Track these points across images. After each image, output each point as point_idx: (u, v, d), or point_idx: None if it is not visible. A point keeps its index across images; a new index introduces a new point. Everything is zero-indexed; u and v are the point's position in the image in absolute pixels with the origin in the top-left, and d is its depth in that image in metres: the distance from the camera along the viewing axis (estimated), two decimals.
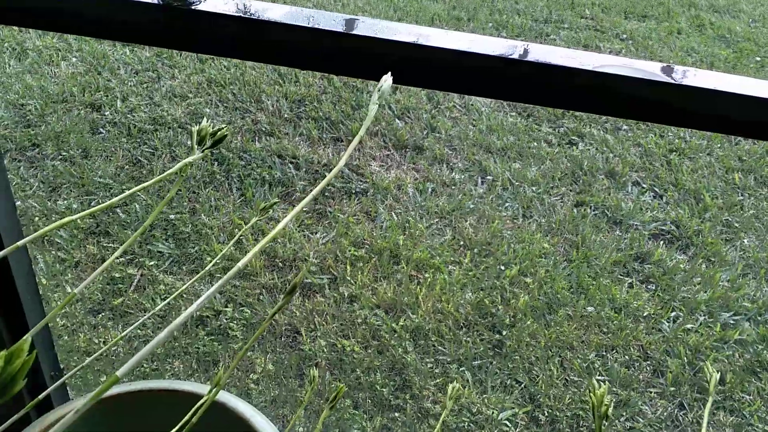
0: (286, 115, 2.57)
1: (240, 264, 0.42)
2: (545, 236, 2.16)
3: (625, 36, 3.57)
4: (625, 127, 2.74)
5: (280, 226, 0.45)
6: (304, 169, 2.32)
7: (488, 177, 2.38)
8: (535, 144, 2.58)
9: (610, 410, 0.33)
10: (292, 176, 2.26)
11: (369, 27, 0.70)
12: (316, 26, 0.69)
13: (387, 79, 0.51)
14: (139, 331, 1.63)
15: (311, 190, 2.21)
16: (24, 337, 0.28)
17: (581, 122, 2.73)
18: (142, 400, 1.02)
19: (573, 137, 2.65)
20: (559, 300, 1.92)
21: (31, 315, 1.06)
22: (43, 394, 0.71)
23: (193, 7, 0.71)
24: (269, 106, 2.60)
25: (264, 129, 2.48)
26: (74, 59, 2.68)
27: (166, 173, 0.51)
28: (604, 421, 0.33)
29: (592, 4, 3.86)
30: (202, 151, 0.51)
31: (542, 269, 2.02)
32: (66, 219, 0.43)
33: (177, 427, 0.65)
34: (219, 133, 0.50)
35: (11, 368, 0.26)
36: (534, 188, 2.35)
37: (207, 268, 0.76)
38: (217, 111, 2.53)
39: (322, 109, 2.61)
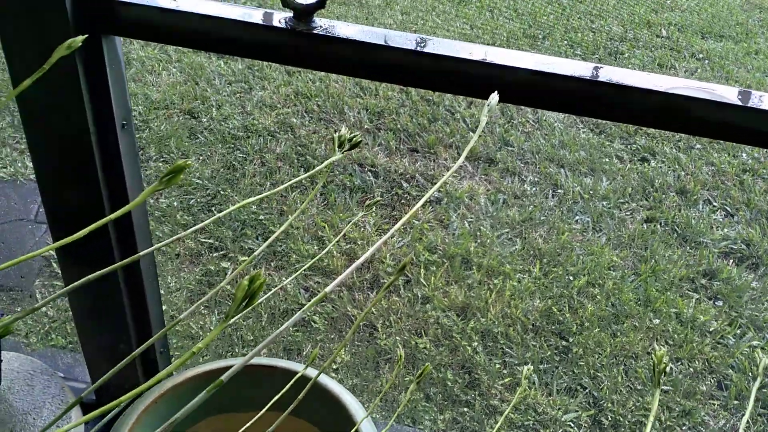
0: (366, 126, 2.69)
1: (366, 256, 0.52)
2: (614, 250, 2.20)
3: (701, 56, 3.55)
4: (698, 145, 2.74)
5: (399, 224, 0.55)
6: (382, 177, 2.43)
7: (559, 190, 2.44)
8: (607, 160, 2.62)
9: (667, 368, 0.41)
10: (371, 183, 2.38)
11: (465, 50, 0.79)
12: (423, 50, 0.79)
13: (494, 97, 0.60)
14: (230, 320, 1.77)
15: (388, 197, 2.32)
16: (254, 272, 0.39)
17: (654, 140, 2.75)
18: (243, 375, 1.14)
19: (645, 154, 2.67)
20: (626, 311, 1.96)
21: (152, 300, 1.20)
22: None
23: (315, 32, 0.82)
24: (351, 118, 2.73)
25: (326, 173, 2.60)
26: (174, 69, 2.88)
27: (313, 171, 0.61)
28: (662, 376, 0.41)
29: (669, 23, 3.85)
30: (342, 153, 0.61)
31: (610, 281, 2.06)
32: (206, 221, 0.54)
33: (275, 399, 0.74)
34: (354, 139, 0.60)
35: (254, 286, 0.37)
36: (604, 203, 2.39)
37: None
38: (303, 121, 2.68)
39: (399, 122, 2.72)
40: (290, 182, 0.65)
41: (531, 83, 0.79)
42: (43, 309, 1.76)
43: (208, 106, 2.67)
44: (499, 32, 3.59)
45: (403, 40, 0.81)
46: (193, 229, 0.52)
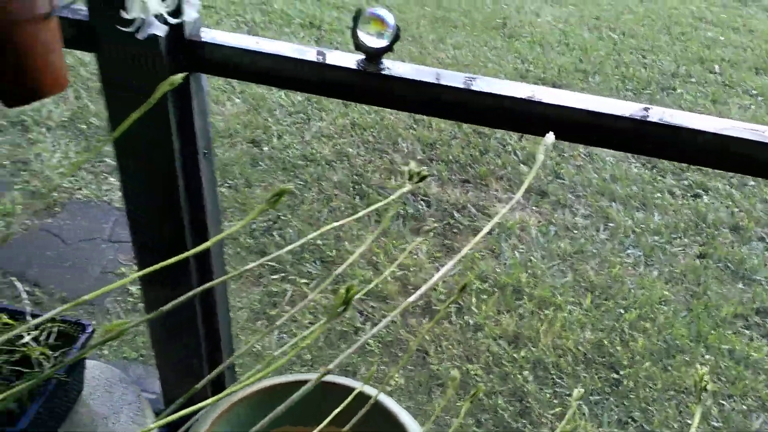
0: (419, 157, 2.75)
1: (433, 280, 0.57)
2: (666, 284, 2.19)
3: (754, 92, 3.51)
4: (751, 182, 2.71)
5: (462, 252, 0.59)
6: (434, 207, 2.48)
7: (610, 224, 2.44)
8: (659, 195, 2.61)
9: (708, 386, 0.44)
10: (423, 212, 2.43)
11: (514, 89, 0.84)
12: (481, 89, 0.85)
13: (550, 137, 0.65)
14: (290, 339, 1.84)
15: (440, 227, 2.37)
16: (347, 285, 0.44)
17: (706, 175, 2.73)
18: (293, 391, 1.20)
19: (698, 190, 2.65)
20: (678, 346, 1.95)
21: (222, 319, 1.27)
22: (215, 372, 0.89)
23: (383, 72, 0.89)
24: (404, 148, 2.80)
25: (399, 169, 2.67)
26: (238, 100, 3.01)
27: (383, 202, 0.67)
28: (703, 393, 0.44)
29: (721, 59, 3.83)
30: (412, 185, 0.66)
31: (662, 315, 2.05)
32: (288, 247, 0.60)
33: (334, 414, 0.79)
34: (422, 172, 0.66)
35: (349, 294, 0.42)
36: (656, 237, 2.39)
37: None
38: (358, 151, 2.76)
39: (451, 153, 2.78)
40: (363, 212, 0.71)
41: (581, 122, 0.83)
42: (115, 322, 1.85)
43: (269, 135, 2.78)
44: (550, 67, 3.63)
45: (457, 79, 0.86)
46: (266, 258, 0.58)
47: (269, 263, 2.11)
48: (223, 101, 3.00)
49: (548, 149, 0.64)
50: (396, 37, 0.85)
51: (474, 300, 2.04)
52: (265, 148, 2.70)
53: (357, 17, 0.83)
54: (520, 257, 2.24)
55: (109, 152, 2.60)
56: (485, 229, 0.58)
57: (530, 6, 4.42)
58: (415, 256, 2.20)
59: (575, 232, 2.39)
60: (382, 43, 0.85)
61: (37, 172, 2.47)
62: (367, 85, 0.90)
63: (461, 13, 4.23)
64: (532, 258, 2.24)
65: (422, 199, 2.50)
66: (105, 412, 1.21)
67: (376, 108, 3.04)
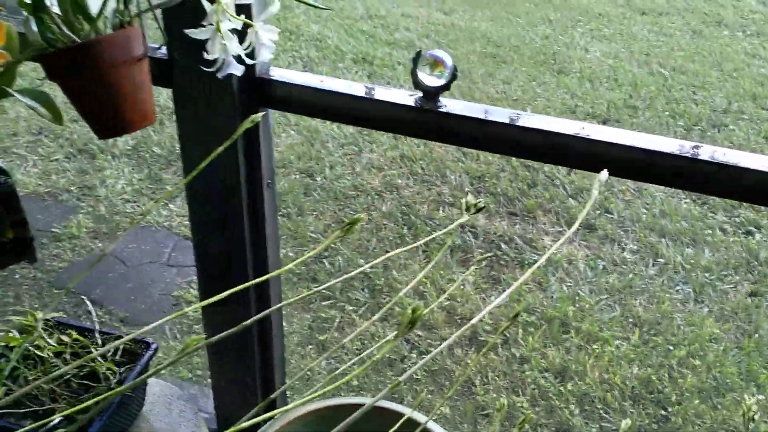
0: (467, 189, 2.78)
1: (484, 312, 0.60)
2: (716, 322, 2.15)
3: None
4: None
5: (514, 286, 0.62)
6: (482, 239, 2.50)
7: (660, 260, 2.42)
8: (710, 231, 2.58)
9: (756, 416, 0.46)
10: (470, 244, 2.45)
11: (567, 126, 0.87)
12: (540, 127, 0.88)
13: (604, 174, 0.67)
14: (338, 364, 1.87)
15: (488, 258, 2.38)
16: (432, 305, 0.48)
17: (759, 213, 2.68)
18: (345, 413, 1.22)
19: (750, 227, 2.61)
20: (728, 385, 1.91)
21: (277, 343, 1.31)
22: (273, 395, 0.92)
23: (440, 110, 0.93)
24: (452, 180, 2.84)
25: (447, 200, 2.71)
26: (292, 132, 3.10)
27: (441, 232, 0.71)
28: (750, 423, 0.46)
29: None
30: (469, 216, 0.70)
31: (711, 353, 2.02)
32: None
33: None
34: (479, 204, 0.69)
35: (415, 315, 0.46)
36: (707, 274, 2.36)
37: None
38: (407, 182, 2.81)
39: (499, 186, 2.80)
40: (418, 243, 0.75)
41: (630, 159, 0.86)
42: (171, 343, 1.92)
43: (321, 166, 2.85)
44: (599, 102, 3.63)
45: (504, 114, 0.90)
46: (320, 288, 0.61)
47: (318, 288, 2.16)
48: (278, 133, 3.09)
49: (601, 186, 0.67)
50: (453, 77, 0.90)
51: (520, 332, 2.04)
52: (318, 179, 2.77)
53: (417, 58, 0.88)
54: (567, 291, 2.23)
55: (170, 180, 2.71)
56: (538, 263, 0.61)
57: (579, 41, 4.44)
58: (462, 287, 2.21)
59: (624, 266, 2.38)
60: (440, 82, 0.89)
61: (101, 197, 2.59)
62: (425, 121, 0.94)
63: (510, 49, 4.27)
64: (579, 292, 2.23)
65: (470, 231, 2.52)
66: (164, 427, 1.26)
67: (425, 140, 3.10)
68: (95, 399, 0.83)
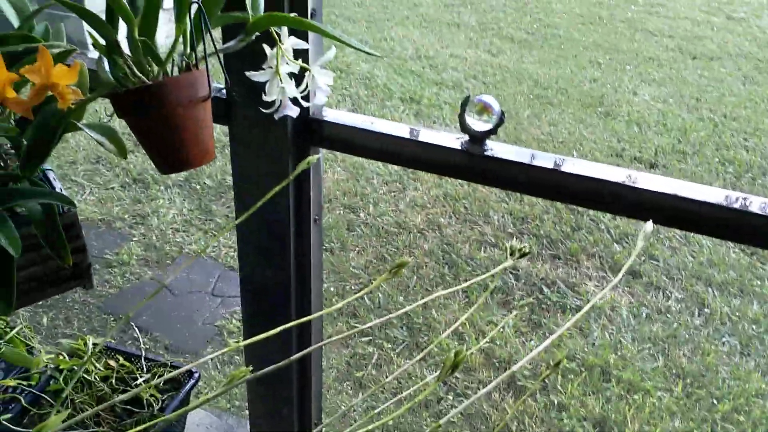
0: (509, 230, 2.78)
1: (525, 360, 0.60)
2: (763, 377, 2.08)
3: None
4: None
5: (557, 334, 0.62)
6: (523, 281, 2.48)
7: (706, 310, 2.36)
8: (758, 282, 2.51)
9: None
10: (511, 286, 2.44)
11: (613, 173, 0.88)
12: (586, 174, 0.89)
13: (649, 225, 0.68)
14: (374, 402, 1.87)
15: (529, 300, 2.36)
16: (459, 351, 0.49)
17: None
18: None
19: None
20: None
21: (315, 377, 1.32)
22: None
23: (486, 154, 0.95)
24: (495, 221, 2.84)
25: (489, 240, 2.70)
26: (339, 168, 3.15)
27: (485, 275, 0.72)
28: None
29: None
30: (513, 260, 0.71)
31: (758, 409, 1.95)
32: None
33: None
34: (523, 248, 0.70)
35: (458, 359, 0.47)
36: (754, 326, 2.29)
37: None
38: (450, 221, 2.82)
39: (543, 228, 2.79)
40: (464, 285, 0.76)
41: (676, 208, 0.85)
42: (212, 372, 1.95)
43: (366, 202, 2.89)
44: (647, 147, 3.60)
45: (549, 159, 0.91)
46: (361, 328, 0.63)
47: (357, 326, 2.17)
48: (325, 169, 3.15)
49: (648, 237, 0.67)
50: (500, 122, 0.91)
51: (560, 379, 2.01)
52: (362, 215, 2.80)
53: (465, 103, 0.90)
54: (609, 338, 2.19)
55: (219, 211, 2.77)
56: (583, 310, 0.61)
57: (628, 85, 4.43)
58: (501, 329, 2.20)
59: (668, 315, 2.33)
60: (487, 127, 0.91)
61: (153, 226, 2.67)
62: (471, 164, 0.96)
63: (558, 91, 4.28)
64: (621, 340, 2.19)
65: (511, 272, 2.51)
66: None
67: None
68: (139, 427, 0.85)
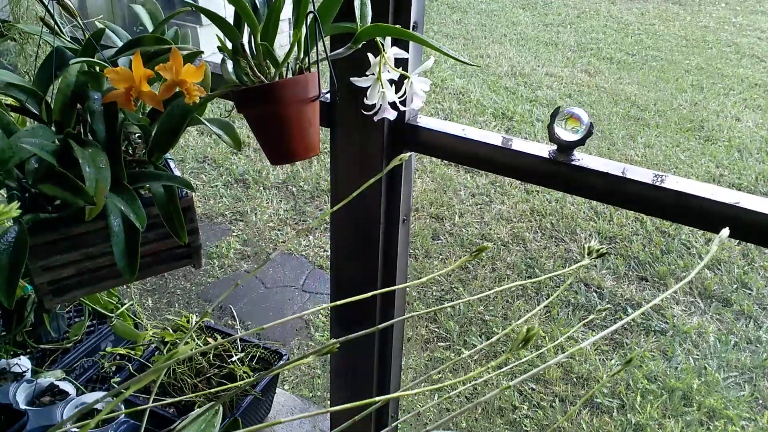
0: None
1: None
2: None
3: None
4: None
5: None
6: (607, 300, 2.44)
7: None
8: None
9: None
10: (594, 303, 2.41)
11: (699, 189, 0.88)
12: (660, 184, 0.90)
13: (725, 232, 0.69)
14: (449, 405, 1.90)
15: (611, 320, 2.33)
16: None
17: None
18: None
19: None
20: None
21: (395, 371, 1.38)
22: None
23: (573, 163, 0.97)
24: (582, 239, 2.81)
25: (574, 258, 2.68)
26: (427, 179, 3.21)
27: (563, 270, 0.75)
28: None
29: None
30: (591, 260, 0.74)
31: None
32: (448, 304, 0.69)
33: None
34: (601, 249, 0.73)
35: (530, 334, 0.51)
36: None
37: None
38: (535, 236, 2.81)
39: (631, 249, 2.74)
40: (542, 277, 0.80)
41: (757, 222, 0.85)
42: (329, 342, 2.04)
43: (452, 213, 2.93)
44: (746, 173, 3.46)
45: (640, 174, 0.93)
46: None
47: (437, 330, 2.21)
48: (414, 179, 3.21)
49: (722, 242, 0.69)
50: (588, 134, 0.94)
51: (639, 399, 1.97)
52: (447, 225, 2.84)
53: (555, 114, 0.94)
54: (693, 363, 2.13)
55: (312, 213, 2.89)
56: (641, 308, 0.63)
57: (731, 110, 4.26)
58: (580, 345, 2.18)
59: (758, 345, 2.23)
60: (576, 137, 0.94)
61: (251, 223, 2.81)
62: (558, 172, 0.99)
63: (656, 113, 4.18)
64: (706, 366, 2.12)
65: (595, 291, 2.48)
66: None
67: (557, 196, 3.09)
68: (232, 392, 0.93)
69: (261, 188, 3.07)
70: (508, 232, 2.82)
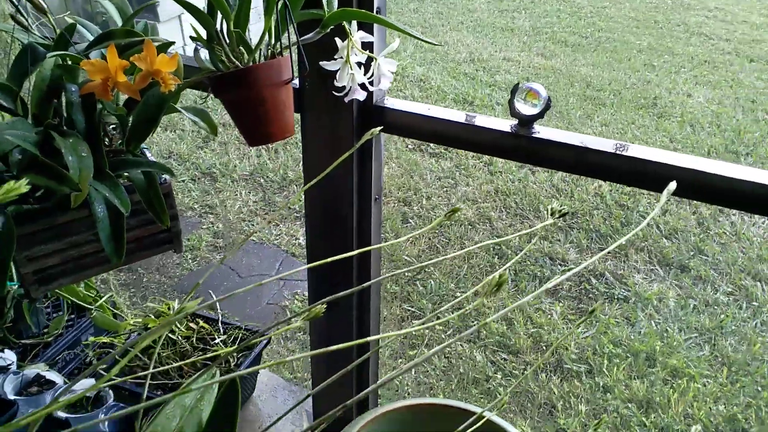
0: (559, 225, 2.82)
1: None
2: None
3: None
4: None
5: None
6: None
7: (754, 303, 2.36)
8: None
9: None
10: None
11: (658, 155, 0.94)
12: (619, 152, 0.96)
13: (673, 185, 0.74)
14: (425, 379, 1.96)
15: (576, 291, 2.41)
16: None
17: None
18: (431, 413, 1.31)
19: None
20: None
21: (372, 349, 1.42)
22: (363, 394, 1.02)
23: (534, 135, 1.03)
24: (545, 215, 2.89)
25: (539, 233, 2.76)
26: (394, 165, 3.25)
27: (529, 230, 0.80)
28: None
29: None
30: (553, 220, 0.79)
31: None
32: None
33: None
34: (563, 209, 0.78)
35: (501, 279, 0.56)
36: None
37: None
38: (500, 215, 2.88)
39: (593, 222, 2.82)
40: (504, 238, 0.84)
41: (710, 183, 0.92)
42: (276, 348, 2.08)
43: (419, 196, 2.98)
44: (699, 147, 3.58)
45: (597, 143, 0.98)
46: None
47: (411, 309, 2.26)
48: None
49: (669, 193, 0.74)
50: (547, 107, 1.00)
51: (606, 362, 2.06)
52: (415, 208, 2.90)
53: (515, 89, 0.99)
54: (656, 327, 2.23)
55: (281, 203, 2.91)
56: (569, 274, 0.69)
57: (683, 87, 4.39)
58: (549, 316, 2.26)
59: (716, 307, 2.34)
60: (535, 111, 0.99)
61: (220, 215, 2.82)
62: (520, 145, 1.04)
63: (610, 93, 4.29)
64: (668, 329, 2.22)
65: (559, 264, 2.56)
66: (270, 412, 1.39)
67: (520, 176, 3.17)
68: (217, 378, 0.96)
69: (229, 181, 3.08)
70: (474, 212, 2.89)
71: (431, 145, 3.49)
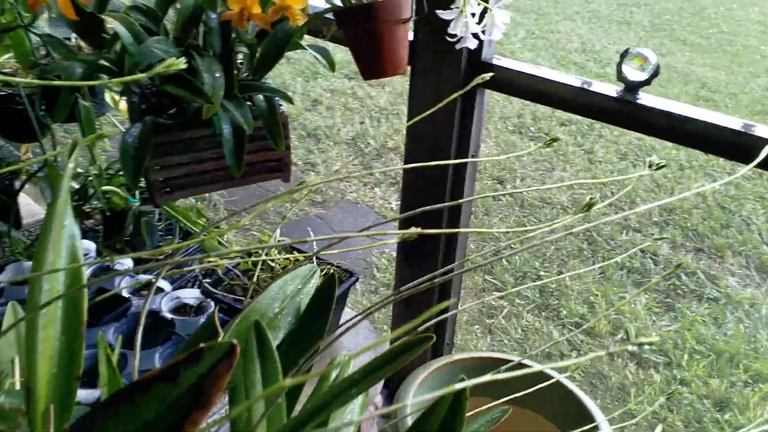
0: (655, 219, 2.74)
1: None
2: None
3: None
4: None
5: None
6: (662, 266, 2.46)
7: None
8: None
9: None
10: (650, 269, 2.43)
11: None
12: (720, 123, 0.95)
13: None
14: (500, 347, 1.98)
15: (665, 285, 2.35)
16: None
17: None
18: (485, 366, 1.33)
19: None
20: None
21: (453, 308, 1.45)
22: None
23: (638, 102, 1.03)
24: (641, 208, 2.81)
25: (633, 226, 2.69)
26: (491, 143, 3.25)
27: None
28: None
29: None
30: (651, 171, 0.80)
31: None
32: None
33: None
34: (661, 163, 0.79)
35: (592, 201, 0.58)
36: None
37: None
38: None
39: (690, 221, 2.73)
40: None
41: None
42: (358, 297, 2.16)
43: (513, 176, 2.97)
44: None
45: (699, 113, 0.97)
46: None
47: (492, 281, 2.28)
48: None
49: None
50: (655, 74, 0.99)
51: (686, 357, 2.00)
52: (508, 187, 2.89)
53: (624, 54, 0.99)
54: (744, 330, 2.14)
55: (378, 167, 2.98)
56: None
57: None
58: (633, 305, 2.21)
59: None
60: (642, 76, 0.99)
61: (321, 174, 2.93)
62: (624, 111, 1.05)
63: (726, 95, 4.08)
64: (756, 335, 2.13)
65: (651, 257, 2.49)
66: (351, 346, 1.46)
67: (620, 168, 3.09)
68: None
69: (331, 143, 3.18)
70: (568, 197, 2.85)
71: (531, 128, 3.46)
